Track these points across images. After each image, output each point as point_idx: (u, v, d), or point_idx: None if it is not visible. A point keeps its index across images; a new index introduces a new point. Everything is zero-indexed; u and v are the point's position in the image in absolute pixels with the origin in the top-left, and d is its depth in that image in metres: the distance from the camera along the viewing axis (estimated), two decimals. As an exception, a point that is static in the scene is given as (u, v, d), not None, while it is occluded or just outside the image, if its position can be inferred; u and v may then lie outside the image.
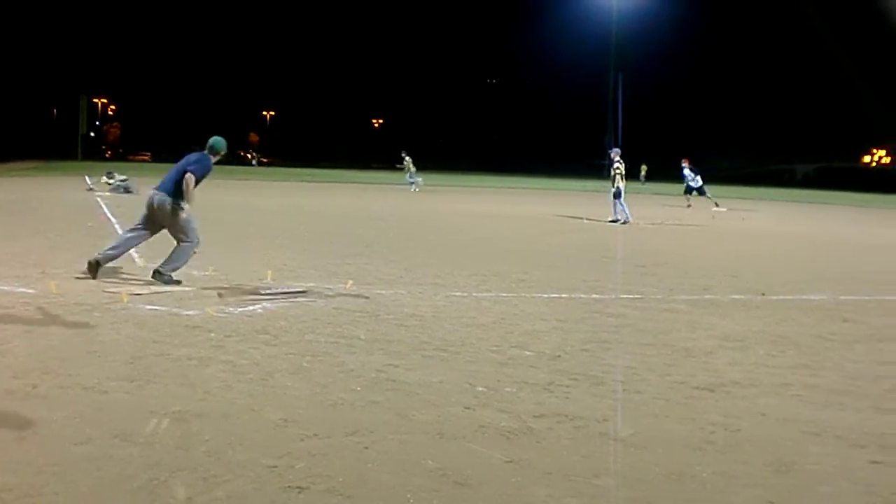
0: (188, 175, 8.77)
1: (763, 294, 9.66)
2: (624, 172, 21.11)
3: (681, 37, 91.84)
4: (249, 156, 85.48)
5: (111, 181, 26.33)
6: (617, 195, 21.08)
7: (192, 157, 9.16)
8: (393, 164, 41.22)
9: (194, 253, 8.98)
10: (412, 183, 36.34)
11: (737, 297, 9.47)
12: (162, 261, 8.85)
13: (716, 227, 21.63)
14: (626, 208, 21.14)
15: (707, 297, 9.39)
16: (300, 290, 8.48)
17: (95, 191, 24.80)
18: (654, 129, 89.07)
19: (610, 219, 21.23)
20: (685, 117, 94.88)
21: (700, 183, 29.74)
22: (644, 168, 55.98)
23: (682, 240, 17.72)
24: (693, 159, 30.62)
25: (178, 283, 8.62)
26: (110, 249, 9.05)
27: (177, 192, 8.89)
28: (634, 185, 50.68)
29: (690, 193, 29.88)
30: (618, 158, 21.15)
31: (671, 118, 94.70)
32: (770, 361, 6.27)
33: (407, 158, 36.47)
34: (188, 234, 8.94)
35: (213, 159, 9.24)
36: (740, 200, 37.04)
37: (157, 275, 8.69)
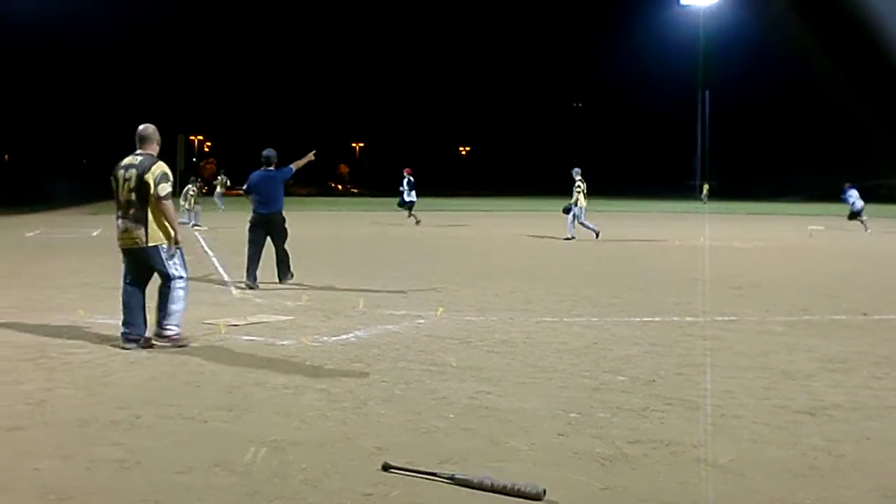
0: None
1: (865, 314, 9.33)
2: (585, 191, 21.31)
3: (769, 51, 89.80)
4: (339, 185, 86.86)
5: (192, 194, 27.00)
6: (575, 213, 21.28)
7: (272, 171, 11.72)
8: (476, 189, 40.00)
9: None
10: None
11: (837, 317, 9.17)
12: (278, 270, 11.60)
13: (812, 246, 21.01)
14: (572, 226, 21.35)
15: (806, 317, 9.11)
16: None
17: (195, 223, 25.51)
18: (742, 146, 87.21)
19: (565, 237, 21.37)
20: (776, 133, 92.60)
21: (860, 205, 27.64)
22: (706, 187, 54.95)
23: (776, 259, 17.26)
24: (789, 177, 29.65)
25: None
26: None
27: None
28: (696, 203, 49.78)
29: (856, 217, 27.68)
30: (579, 178, 21.24)
31: (761, 135, 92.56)
32: (873, 384, 6.04)
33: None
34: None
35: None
36: (836, 218, 35.92)
37: (284, 276, 11.56)
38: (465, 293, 10.80)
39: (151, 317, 7.25)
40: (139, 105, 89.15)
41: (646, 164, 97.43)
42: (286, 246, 11.71)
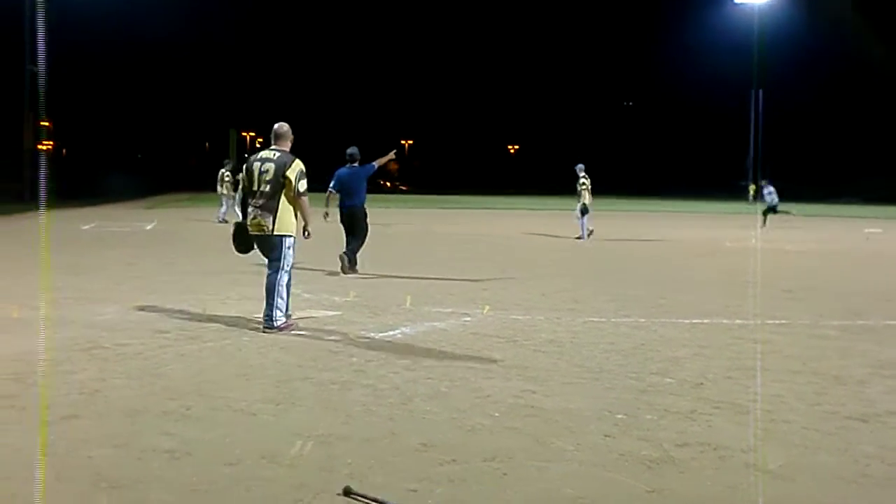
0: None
1: (922, 319, 9.12)
2: (590, 188, 20.86)
3: (825, 49, 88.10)
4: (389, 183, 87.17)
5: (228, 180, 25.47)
6: (584, 212, 20.87)
7: (356, 168, 12.58)
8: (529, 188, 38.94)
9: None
10: None
11: (891, 322, 8.98)
12: (349, 249, 12.33)
13: (868, 249, 20.59)
14: (584, 225, 21.00)
15: (859, 322, 8.94)
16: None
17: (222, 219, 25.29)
18: (797, 147, 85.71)
19: (576, 235, 21.03)
20: (832, 134, 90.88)
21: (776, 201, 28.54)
22: (753, 188, 54.18)
23: (830, 262, 16.96)
24: (845, 178, 29.36)
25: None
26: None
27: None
28: (738, 205, 49.08)
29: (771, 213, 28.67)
30: (583, 174, 20.81)
31: (816, 135, 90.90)
32: (931, 391, 5.90)
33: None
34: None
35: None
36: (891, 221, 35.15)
37: (350, 268, 12.14)
38: (512, 292, 10.79)
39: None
40: (193, 101, 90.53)
41: (697, 164, 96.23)
42: (366, 240, 12.75)
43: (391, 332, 7.72)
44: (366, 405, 5.22)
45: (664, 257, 17.19)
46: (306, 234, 8.11)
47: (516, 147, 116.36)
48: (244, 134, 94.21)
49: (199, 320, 8.10)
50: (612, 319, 8.75)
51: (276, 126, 8.05)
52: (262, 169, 7.69)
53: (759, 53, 74.59)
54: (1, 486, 3.78)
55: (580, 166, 21.14)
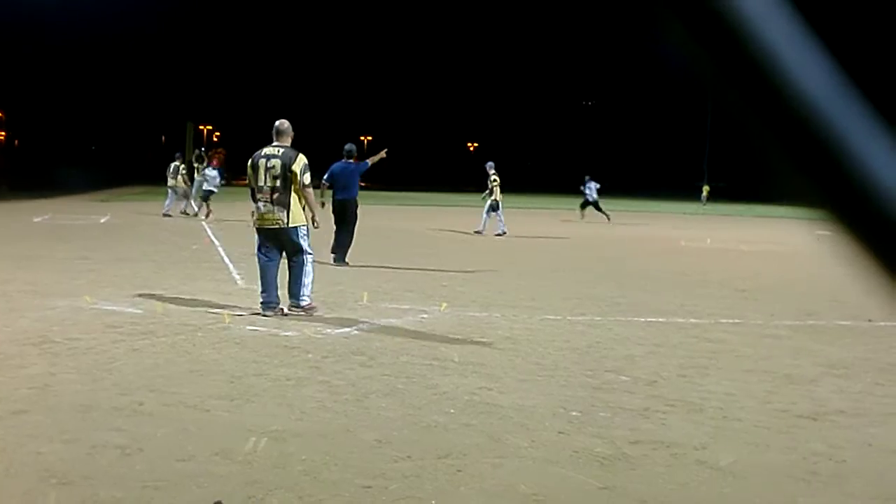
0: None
1: (870, 320, 9.30)
2: (500, 185, 21.29)
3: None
4: None
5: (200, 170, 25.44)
6: (494, 208, 21.25)
7: (352, 164, 13.33)
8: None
9: None
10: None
11: (843, 322, 9.15)
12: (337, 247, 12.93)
13: (820, 250, 20.95)
14: (486, 220, 21.44)
15: (811, 322, 9.10)
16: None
17: (184, 210, 25.11)
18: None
19: (496, 233, 21.24)
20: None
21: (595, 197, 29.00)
22: (706, 189, 54.95)
23: (783, 262, 17.23)
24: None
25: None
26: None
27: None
28: (695, 205, 49.79)
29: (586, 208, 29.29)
30: (493, 171, 21.26)
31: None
32: (877, 390, 6.03)
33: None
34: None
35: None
36: None
37: (341, 260, 12.78)
38: (470, 288, 10.81)
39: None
40: (149, 93, 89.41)
41: (657, 165, 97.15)
42: (354, 234, 13.45)
43: (347, 329, 7.69)
44: (321, 401, 5.20)
45: (621, 256, 17.34)
46: (315, 224, 8.66)
47: (475, 144, 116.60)
48: (201, 127, 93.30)
49: (153, 315, 8.00)
50: (569, 317, 8.81)
51: (277, 123, 8.51)
52: (269, 165, 8.18)
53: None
54: (-55, 483, 3.70)
55: (490, 164, 21.56)
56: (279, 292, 8.34)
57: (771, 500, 3.81)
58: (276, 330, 7.49)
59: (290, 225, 8.19)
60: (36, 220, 22.19)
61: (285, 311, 8.19)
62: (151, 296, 9.16)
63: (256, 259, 8.45)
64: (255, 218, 8.34)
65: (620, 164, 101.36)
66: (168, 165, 25.99)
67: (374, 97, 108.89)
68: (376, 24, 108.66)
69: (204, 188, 24.82)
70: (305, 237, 8.34)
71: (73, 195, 38.45)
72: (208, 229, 20.28)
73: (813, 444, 4.69)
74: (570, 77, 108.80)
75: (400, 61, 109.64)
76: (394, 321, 8.17)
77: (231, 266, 12.47)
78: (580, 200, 30.33)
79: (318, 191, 11.27)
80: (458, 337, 7.47)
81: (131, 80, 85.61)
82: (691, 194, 60.70)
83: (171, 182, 25.42)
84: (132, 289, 9.69)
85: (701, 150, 72.90)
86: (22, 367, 5.80)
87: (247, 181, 8.57)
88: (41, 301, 8.62)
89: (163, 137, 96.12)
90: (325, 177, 13.35)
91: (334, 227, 13.27)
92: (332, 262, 12.76)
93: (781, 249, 20.92)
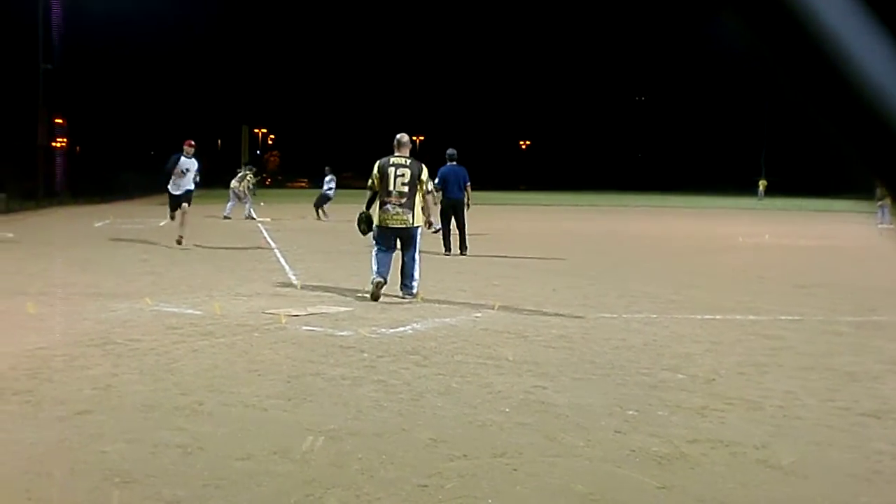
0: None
1: (936, 315, 9.07)
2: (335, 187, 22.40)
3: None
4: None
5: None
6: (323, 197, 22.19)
7: (456, 167, 14.94)
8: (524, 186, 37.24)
9: None
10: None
11: (907, 318, 8.93)
12: (461, 244, 14.83)
13: (881, 244, 20.48)
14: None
15: (874, 318, 8.90)
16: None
17: (248, 215, 25.45)
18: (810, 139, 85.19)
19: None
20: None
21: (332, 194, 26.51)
22: (763, 184, 54.05)
23: (843, 257, 16.87)
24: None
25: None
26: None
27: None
28: (752, 200, 48.80)
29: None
30: (331, 175, 22.79)
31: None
32: (945, 387, 5.87)
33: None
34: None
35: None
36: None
37: (463, 249, 14.86)
38: (523, 288, 10.78)
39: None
40: (206, 98, 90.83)
41: (714, 160, 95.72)
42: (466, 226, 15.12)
43: (402, 329, 7.73)
44: (376, 401, 5.23)
45: (677, 253, 17.15)
46: (430, 226, 10.05)
47: (528, 143, 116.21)
48: (256, 131, 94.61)
49: (211, 316, 8.13)
50: (624, 315, 8.74)
51: (398, 136, 9.78)
52: (398, 173, 9.46)
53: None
54: (16, 481, 3.81)
55: (328, 168, 23.33)
56: (388, 276, 9.43)
57: (833, 500, 3.73)
58: (331, 330, 7.56)
59: (415, 225, 9.51)
60: (97, 224, 22.69)
61: (402, 295, 9.46)
62: (209, 297, 9.30)
63: (374, 253, 9.54)
64: (381, 217, 9.53)
65: (676, 160, 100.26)
66: (240, 171, 26.89)
67: (425, 96, 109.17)
68: (429, 24, 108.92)
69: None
70: (420, 236, 9.70)
71: (133, 200, 39.22)
72: (265, 232, 20.53)
73: (876, 442, 4.58)
74: (623, 72, 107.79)
75: (452, 61, 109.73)
76: (448, 321, 8.18)
77: (287, 267, 12.61)
78: (639, 196, 30.19)
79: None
80: (512, 336, 7.46)
81: (188, 86, 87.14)
82: (748, 189, 59.81)
83: (235, 185, 25.82)
84: (190, 291, 9.86)
85: (758, 144, 71.67)
86: (85, 368, 5.94)
87: (370, 184, 9.69)
88: (103, 303, 8.82)
89: (219, 141, 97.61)
90: (436, 181, 14.34)
91: (445, 224, 14.51)
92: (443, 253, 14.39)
93: (841, 244, 20.50)
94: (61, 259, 13.28)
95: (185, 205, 15.70)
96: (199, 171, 16.24)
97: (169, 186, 16.15)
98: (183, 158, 15.76)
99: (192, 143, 16.03)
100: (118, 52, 71.50)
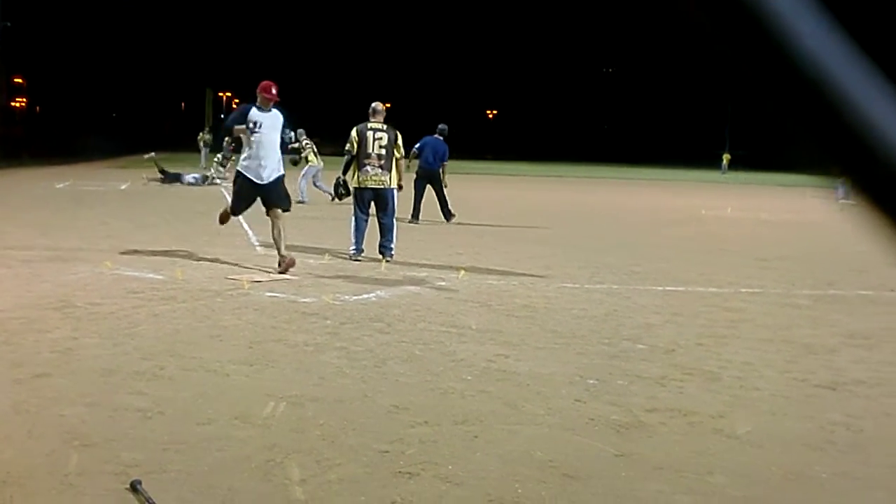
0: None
1: (893, 290, 9.24)
2: (316, 151, 19.81)
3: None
4: None
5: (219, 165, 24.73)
6: (304, 174, 19.73)
7: (441, 140, 15.44)
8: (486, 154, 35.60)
9: None
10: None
11: (864, 292, 9.09)
12: (443, 212, 15.27)
13: (842, 220, 20.78)
14: (304, 189, 19.21)
15: (832, 292, 9.05)
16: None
17: (217, 180, 25.19)
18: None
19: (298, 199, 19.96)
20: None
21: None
22: (727, 157, 54.57)
23: (804, 232, 17.10)
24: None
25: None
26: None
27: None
28: (715, 174, 49.15)
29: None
30: (305, 139, 19.64)
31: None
32: (898, 360, 6.00)
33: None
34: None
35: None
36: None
37: (448, 216, 15.31)
38: (487, 257, 10.81)
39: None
40: (168, 60, 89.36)
41: (679, 133, 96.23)
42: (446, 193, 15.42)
43: (366, 296, 7.72)
44: (339, 367, 5.23)
45: (640, 224, 17.27)
46: (401, 188, 10.44)
47: (495, 112, 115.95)
48: (220, 94, 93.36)
49: (173, 281, 8.06)
50: (586, 286, 8.80)
51: (374, 104, 10.26)
52: (376, 137, 9.97)
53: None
54: (-30, 444, 3.76)
55: (300, 131, 19.26)
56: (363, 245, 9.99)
57: (787, 469, 3.81)
58: (294, 296, 7.53)
59: (391, 186, 10.04)
60: (58, 186, 22.34)
61: (384, 258, 9.82)
62: (171, 262, 9.22)
63: (352, 223, 10.05)
64: (360, 179, 10.00)
65: (643, 133, 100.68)
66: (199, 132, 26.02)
67: (391, 63, 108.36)
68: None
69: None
70: (396, 199, 10.19)
71: (94, 162, 38.62)
72: (228, 197, 20.32)
73: (831, 413, 4.68)
74: (591, 44, 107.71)
75: (418, 26, 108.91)
76: (411, 288, 8.19)
77: (250, 232, 12.51)
78: (604, 168, 30.14)
79: (406, 160, 12.38)
80: (476, 305, 7.49)
81: (151, 47, 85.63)
82: (712, 163, 60.28)
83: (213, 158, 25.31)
84: (152, 255, 9.76)
85: (722, 118, 72.16)
86: (44, 332, 5.87)
87: (347, 148, 10.05)
88: (63, 266, 8.70)
89: (182, 104, 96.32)
90: (416, 145, 15.40)
91: (420, 193, 15.06)
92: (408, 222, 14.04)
93: (802, 219, 20.77)
94: (20, 221, 13.06)
95: (277, 210, 9.14)
96: (290, 132, 9.98)
97: (238, 166, 9.59)
98: (254, 111, 9.09)
99: (273, 87, 9.19)
100: (79, 10, 70.04)
